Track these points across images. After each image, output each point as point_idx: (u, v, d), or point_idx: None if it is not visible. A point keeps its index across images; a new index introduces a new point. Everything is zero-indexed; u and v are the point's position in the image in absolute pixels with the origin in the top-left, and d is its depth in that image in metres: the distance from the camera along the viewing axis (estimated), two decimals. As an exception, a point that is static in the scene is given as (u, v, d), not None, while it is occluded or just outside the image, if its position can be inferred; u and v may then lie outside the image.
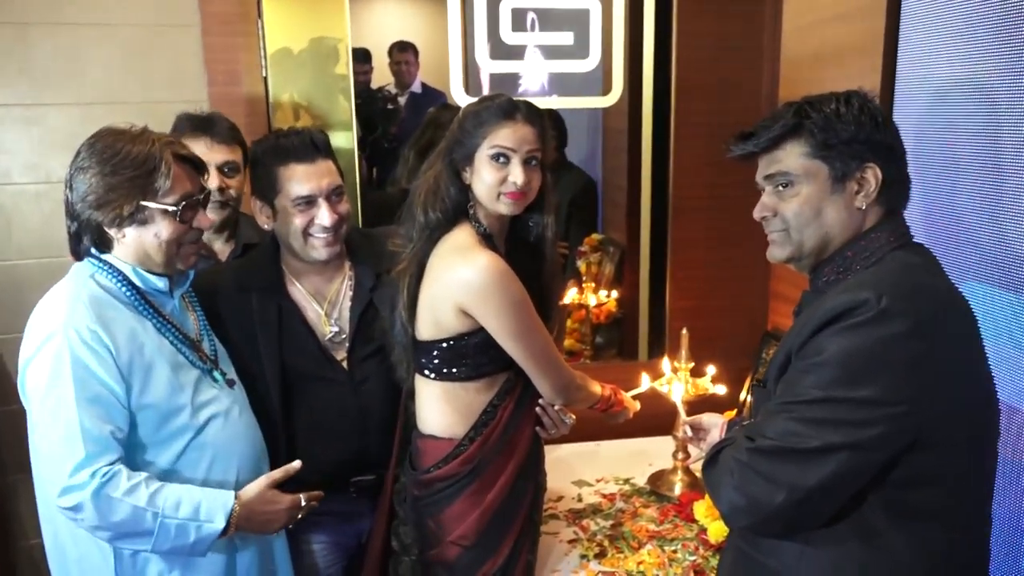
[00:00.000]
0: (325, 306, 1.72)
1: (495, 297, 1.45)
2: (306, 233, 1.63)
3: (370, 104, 2.89)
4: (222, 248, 1.96)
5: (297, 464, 1.54)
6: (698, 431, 1.52)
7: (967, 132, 1.54)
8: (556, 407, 1.61)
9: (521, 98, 1.57)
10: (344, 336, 1.72)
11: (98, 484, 1.32)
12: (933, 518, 1.10)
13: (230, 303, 1.67)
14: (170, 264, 1.46)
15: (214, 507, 1.41)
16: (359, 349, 1.72)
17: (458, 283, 1.46)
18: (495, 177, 1.49)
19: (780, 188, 1.20)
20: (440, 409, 1.58)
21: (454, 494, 1.55)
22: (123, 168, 1.38)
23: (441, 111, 2.38)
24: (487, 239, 1.52)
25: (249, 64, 2.14)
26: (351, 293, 1.73)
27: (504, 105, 1.50)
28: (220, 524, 1.41)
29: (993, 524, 1.19)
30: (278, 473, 1.52)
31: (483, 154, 1.50)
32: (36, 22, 2.08)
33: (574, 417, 1.66)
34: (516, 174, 1.48)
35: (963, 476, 1.12)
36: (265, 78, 2.14)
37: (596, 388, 1.70)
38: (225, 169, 1.88)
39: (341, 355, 1.72)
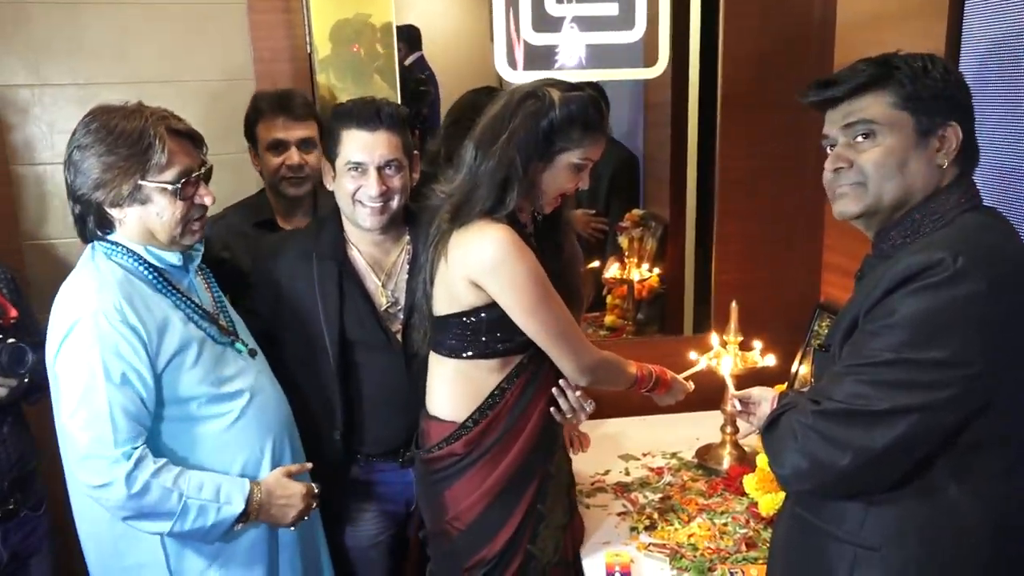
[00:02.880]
0: (382, 277, 1.74)
1: (506, 268, 1.42)
2: (355, 199, 1.65)
3: (403, 85, 2.89)
4: (301, 222, 2.00)
5: (309, 465, 1.59)
6: (747, 405, 1.50)
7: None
8: (577, 392, 1.57)
9: (584, 80, 1.55)
10: (400, 308, 1.73)
11: (131, 466, 1.35)
12: (999, 480, 1.09)
13: (290, 267, 1.70)
14: (175, 241, 1.47)
15: (233, 490, 1.45)
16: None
17: (470, 255, 1.45)
18: (570, 182, 1.50)
19: (859, 139, 1.16)
20: (449, 389, 1.56)
21: (455, 475, 1.55)
22: (119, 147, 1.36)
23: (479, 94, 2.35)
24: (509, 216, 1.47)
25: (294, 41, 2.15)
26: (408, 266, 1.74)
27: (599, 117, 1.47)
28: (239, 506, 1.44)
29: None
30: (294, 467, 1.56)
31: (568, 160, 1.47)
32: (86, 1, 2.10)
33: (593, 403, 1.61)
34: (585, 181, 1.51)
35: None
36: (310, 55, 2.14)
37: (631, 369, 1.64)
38: (302, 145, 1.93)
39: (396, 327, 1.73)
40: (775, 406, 1.35)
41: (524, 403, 1.55)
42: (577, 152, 1.46)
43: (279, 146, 1.95)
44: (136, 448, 1.38)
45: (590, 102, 1.46)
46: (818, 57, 2.18)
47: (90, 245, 1.48)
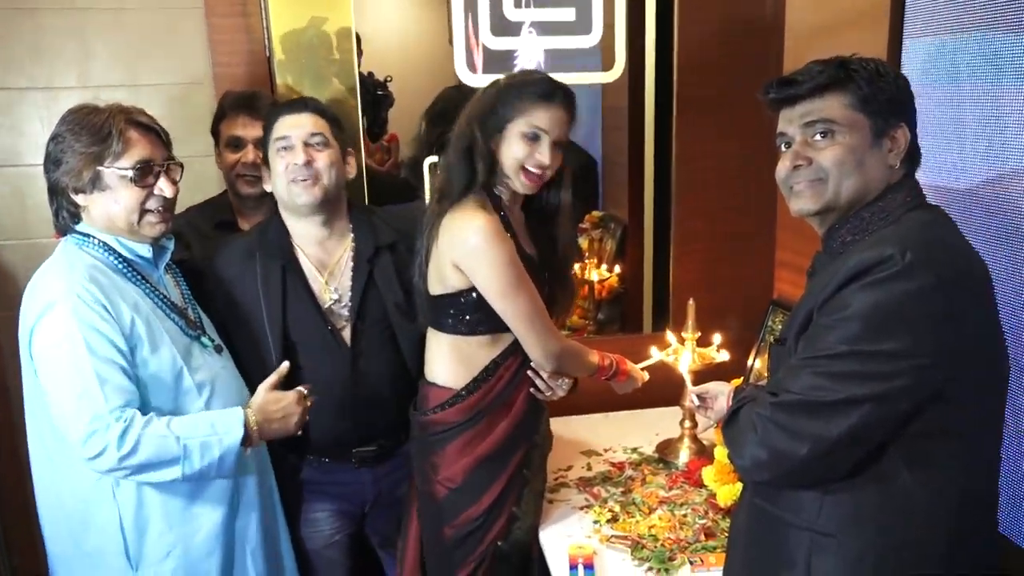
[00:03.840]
0: (326, 275, 1.76)
1: (482, 254, 1.54)
2: (287, 178, 1.70)
3: (362, 89, 2.89)
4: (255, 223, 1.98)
5: (286, 365, 1.61)
6: (705, 399, 1.55)
7: (974, 101, 1.56)
8: (545, 374, 1.67)
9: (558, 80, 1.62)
10: (344, 305, 1.76)
11: (122, 427, 1.38)
12: (949, 466, 1.13)
13: (238, 267, 1.73)
14: (135, 231, 1.51)
15: (227, 420, 1.48)
16: (360, 321, 1.76)
17: (454, 241, 1.56)
18: (523, 152, 1.56)
19: (818, 137, 1.20)
20: (445, 360, 1.68)
21: (448, 439, 1.66)
22: (83, 135, 1.45)
23: (454, 89, 2.38)
24: (496, 204, 1.61)
25: (253, 45, 2.14)
26: (352, 264, 1.77)
27: (546, 87, 1.57)
28: (238, 432, 1.47)
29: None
30: (272, 377, 1.58)
31: (516, 129, 1.56)
32: (46, 7, 2.08)
33: (569, 382, 1.72)
34: (544, 153, 1.56)
35: (978, 426, 1.15)
36: (269, 59, 2.14)
37: (593, 358, 1.75)
38: (260, 144, 1.92)
39: (341, 324, 1.76)
40: (732, 400, 1.40)
41: (517, 379, 1.68)
42: (523, 120, 1.55)
43: (237, 144, 1.96)
44: (125, 411, 1.40)
45: (535, 75, 1.59)
46: (769, 62, 2.25)
47: (64, 238, 1.53)
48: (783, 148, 1.26)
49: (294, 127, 1.70)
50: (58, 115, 2.11)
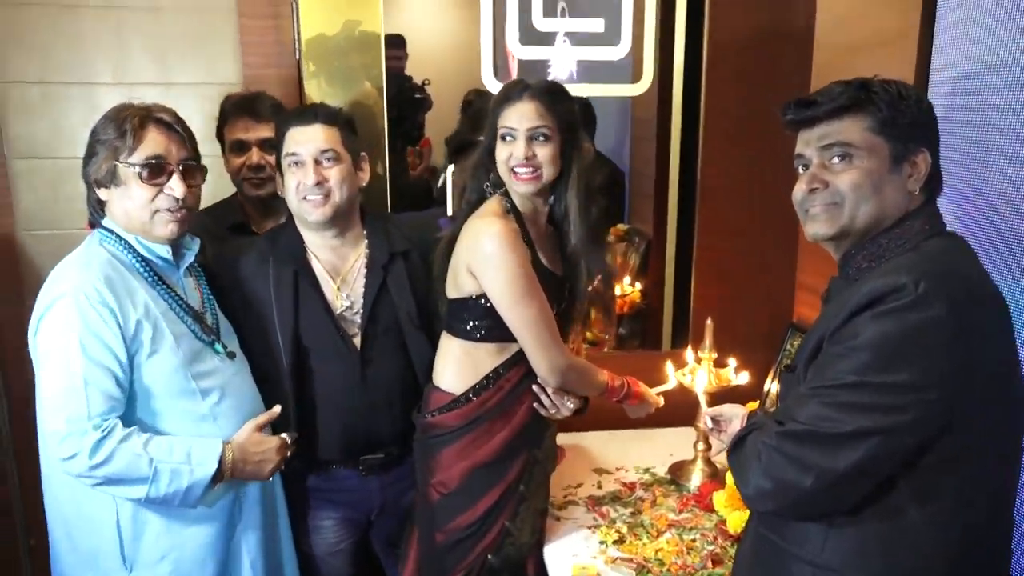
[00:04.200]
0: (338, 281, 1.76)
1: (494, 261, 1.55)
2: (298, 195, 1.69)
3: (401, 93, 2.90)
4: (270, 226, 1.99)
5: (277, 409, 1.61)
6: (719, 422, 1.53)
7: (1000, 122, 1.52)
8: (550, 389, 1.65)
9: (544, 80, 1.65)
10: (356, 312, 1.75)
11: (99, 436, 1.38)
12: (958, 501, 1.10)
13: (249, 272, 1.73)
14: (147, 231, 1.51)
15: (204, 452, 1.47)
16: (371, 327, 1.75)
17: (469, 246, 1.59)
18: (504, 155, 1.60)
19: (835, 160, 1.17)
20: (452, 365, 1.68)
21: (446, 443, 1.66)
22: (109, 129, 1.47)
23: (475, 95, 2.38)
24: (513, 212, 1.63)
25: (283, 47, 2.16)
26: (365, 271, 1.76)
27: (509, 87, 1.61)
28: (211, 467, 1.46)
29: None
30: (262, 417, 1.58)
31: (499, 132, 1.60)
32: (85, 5, 2.12)
33: (577, 401, 1.69)
34: (518, 149, 1.57)
35: (990, 461, 1.12)
36: (299, 61, 2.16)
37: (602, 377, 1.72)
38: (264, 146, 1.94)
39: (353, 331, 1.75)
40: (744, 425, 1.37)
41: (520, 390, 1.66)
42: (500, 122, 1.60)
43: (241, 147, 1.97)
44: (107, 420, 1.40)
45: (508, 83, 1.64)
46: (800, 79, 2.21)
47: (91, 232, 1.55)
48: (800, 170, 1.24)
49: (304, 142, 1.68)
50: (94, 110, 2.18)
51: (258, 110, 1.95)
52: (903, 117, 1.15)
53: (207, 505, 1.53)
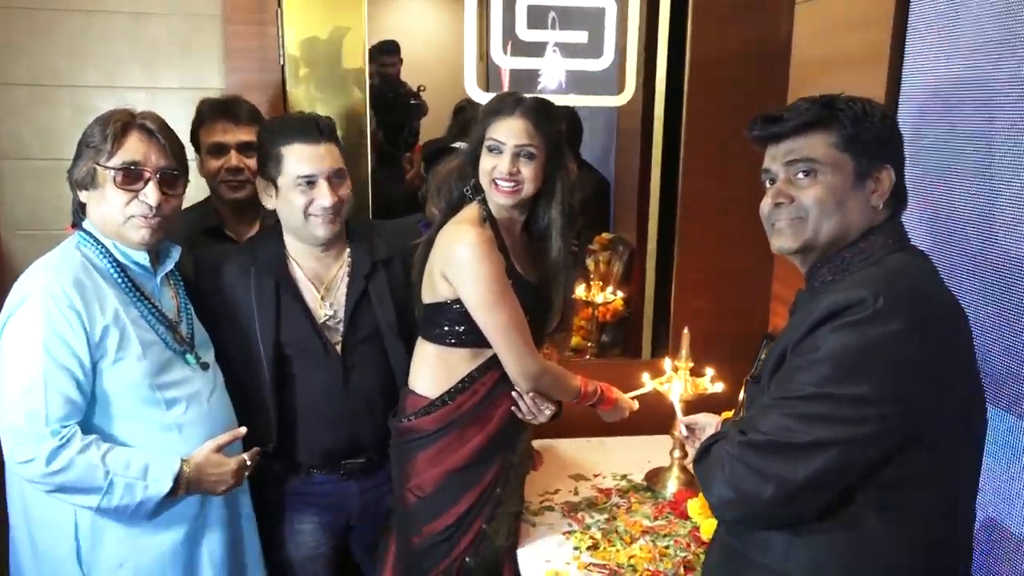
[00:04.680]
0: (322, 290, 1.77)
1: (469, 268, 1.58)
2: (307, 212, 1.68)
3: (394, 99, 2.92)
4: (247, 229, 2.00)
5: (242, 430, 1.61)
6: (693, 431, 1.54)
7: (968, 141, 1.55)
8: (530, 395, 1.67)
9: (534, 95, 1.66)
10: (338, 320, 1.76)
11: (56, 443, 1.38)
12: (918, 513, 1.12)
13: (231, 280, 1.73)
14: (121, 235, 1.51)
15: (161, 469, 1.46)
16: (353, 334, 1.76)
17: (444, 252, 1.62)
18: (488, 166, 1.62)
19: (800, 176, 1.19)
20: (427, 369, 1.70)
21: (421, 447, 1.68)
22: (94, 132, 1.48)
23: (467, 103, 2.40)
24: (489, 220, 1.65)
25: (267, 53, 2.17)
26: (348, 279, 1.77)
27: (502, 101, 1.63)
28: (166, 485, 1.46)
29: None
30: (224, 437, 1.57)
31: (484, 145, 1.62)
32: (76, 9, 2.13)
33: (553, 407, 1.71)
34: (503, 164, 1.60)
35: (949, 474, 1.13)
36: (283, 67, 2.17)
37: (575, 382, 1.74)
38: (242, 149, 1.93)
39: (335, 339, 1.76)
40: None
41: (496, 395, 1.69)
42: (489, 133, 1.62)
43: (219, 150, 1.95)
44: (66, 427, 1.40)
45: (502, 95, 1.67)
46: (780, 94, 2.24)
47: (73, 233, 1.55)
48: (767, 184, 1.26)
49: (317, 162, 1.65)
50: (83, 111, 2.19)
51: (237, 113, 1.95)
52: (867, 134, 1.17)
53: (159, 517, 1.52)
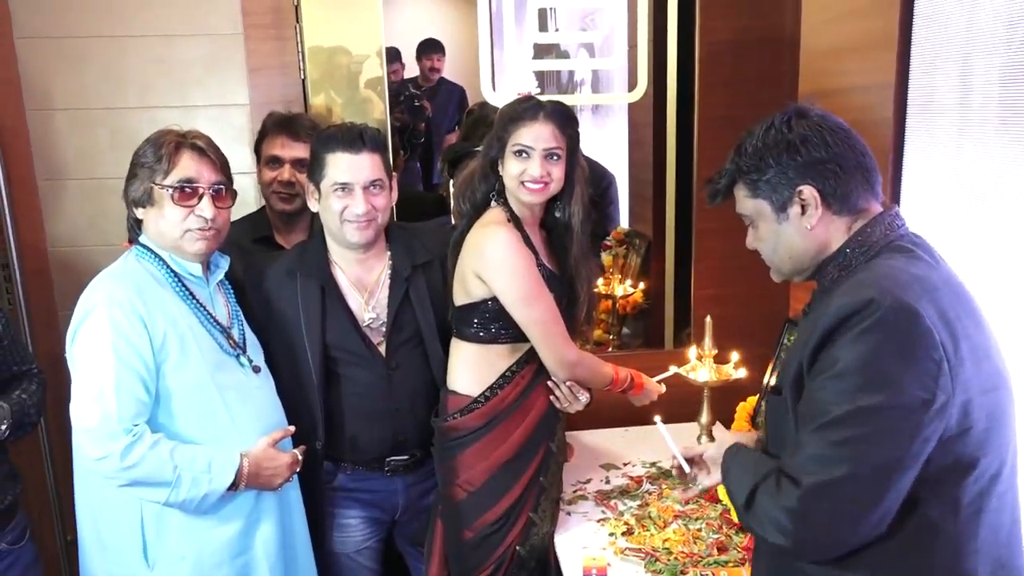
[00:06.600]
0: (364, 294, 1.82)
1: (503, 266, 1.66)
2: (342, 218, 1.74)
3: (399, 102, 2.98)
4: (297, 238, 2.08)
5: (292, 428, 1.69)
6: (695, 463, 1.47)
7: (980, 119, 1.57)
8: (567, 383, 1.74)
9: (550, 98, 1.73)
10: (381, 323, 1.82)
11: (130, 440, 1.47)
12: (971, 498, 1.09)
13: (277, 285, 1.80)
14: (179, 248, 1.60)
15: (223, 464, 1.55)
16: (395, 336, 1.82)
17: (475, 253, 1.69)
18: (516, 170, 1.67)
19: (750, 227, 1.27)
20: (465, 369, 1.77)
21: (466, 444, 1.74)
22: (147, 152, 1.56)
23: (481, 107, 2.45)
24: (514, 220, 1.73)
25: (288, 67, 2.24)
26: (389, 283, 1.83)
27: (526, 106, 1.69)
28: (228, 479, 1.55)
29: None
30: (277, 433, 1.66)
31: (509, 150, 1.68)
32: (108, 36, 2.21)
33: (588, 395, 1.78)
34: (533, 168, 1.67)
35: (992, 457, 1.11)
36: (303, 80, 2.23)
37: (608, 370, 1.81)
38: (297, 164, 2.02)
39: (378, 340, 1.82)
40: (727, 462, 1.30)
41: (534, 387, 1.76)
42: (512, 140, 1.69)
43: (275, 162, 2.06)
44: (136, 425, 1.49)
45: (522, 101, 1.73)
46: (790, 82, 2.28)
47: (130, 248, 1.64)
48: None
49: (354, 171, 1.70)
50: (119, 132, 2.27)
51: (296, 130, 2.04)
52: (765, 173, 1.18)
53: (218, 511, 1.60)
